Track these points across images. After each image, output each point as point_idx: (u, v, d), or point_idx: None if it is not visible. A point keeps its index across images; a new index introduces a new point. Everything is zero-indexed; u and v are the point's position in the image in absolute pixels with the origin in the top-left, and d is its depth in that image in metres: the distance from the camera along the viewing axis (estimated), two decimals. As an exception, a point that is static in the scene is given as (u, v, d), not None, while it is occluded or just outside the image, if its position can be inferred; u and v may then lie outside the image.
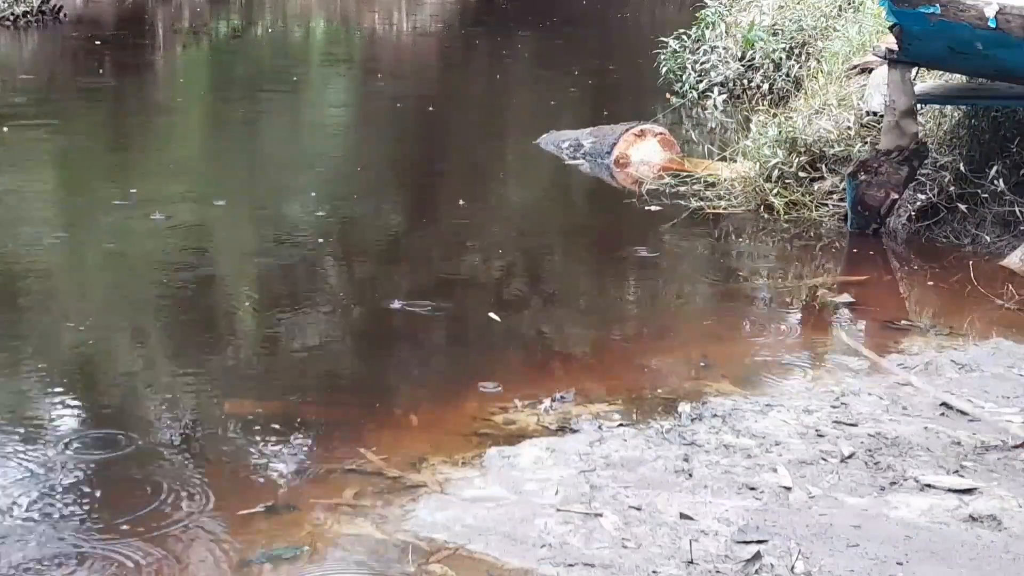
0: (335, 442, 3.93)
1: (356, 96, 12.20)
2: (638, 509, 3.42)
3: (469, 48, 15.54)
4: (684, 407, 4.16)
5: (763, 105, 8.73)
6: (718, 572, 3.11)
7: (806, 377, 4.60)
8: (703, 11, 11.11)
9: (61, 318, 5.14)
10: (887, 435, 3.92)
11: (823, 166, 7.15)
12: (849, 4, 9.98)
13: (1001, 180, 6.32)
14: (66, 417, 4.13)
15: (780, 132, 7.25)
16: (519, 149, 8.96)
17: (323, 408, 4.31)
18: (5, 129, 8.71)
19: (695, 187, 7.38)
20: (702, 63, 10.70)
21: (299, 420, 4.12)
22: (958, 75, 6.91)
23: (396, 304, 5.27)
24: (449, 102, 11.40)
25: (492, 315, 5.23)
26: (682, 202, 7.19)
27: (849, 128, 7.21)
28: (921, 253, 6.37)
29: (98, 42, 14.16)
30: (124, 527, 3.35)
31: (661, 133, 8.36)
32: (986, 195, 6.38)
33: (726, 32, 10.78)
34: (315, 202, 7.47)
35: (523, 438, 3.92)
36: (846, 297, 5.59)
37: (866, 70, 7.88)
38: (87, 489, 3.58)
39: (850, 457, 3.76)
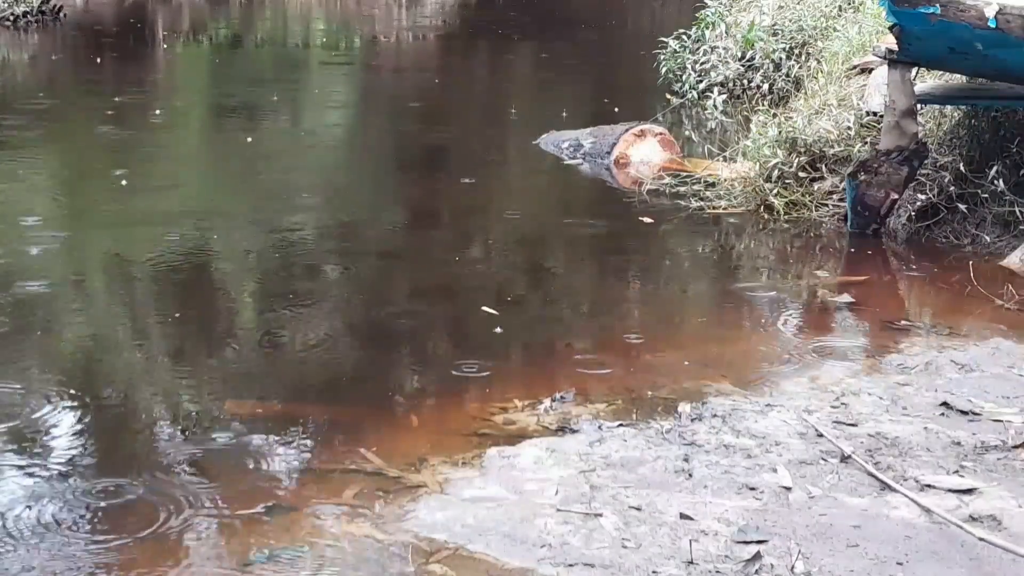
0: (335, 442, 3.93)
1: (355, 97, 12.21)
2: (638, 509, 3.42)
3: (469, 48, 15.54)
4: (684, 407, 4.15)
5: (763, 105, 8.74)
6: (718, 572, 3.11)
7: (806, 377, 4.59)
8: (703, 11, 11.11)
9: (57, 315, 5.15)
10: (887, 435, 3.92)
11: (823, 166, 7.15)
12: (849, 4, 9.99)
13: (1001, 180, 6.32)
14: (64, 417, 4.13)
15: (780, 132, 7.24)
16: (519, 149, 8.96)
17: (323, 408, 4.31)
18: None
19: (695, 187, 7.38)
20: (702, 63, 10.70)
21: (299, 420, 4.12)
22: (958, 75, 6.92)
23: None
24: (449, 102, 11.40)
25: (487, 309, 5.24)
26: (682, 202, 7.19)
27: (849, 128, 7.21)
28: (921, 253, 6.37)
29: (93, 56, 14.13)
30: (124, 527, 3.35)
31: (661, 133, 8.36)
32: (986, 195, 6.38)
33: (726, 32, 10.78)
34: (315, 203, 7.47)
35: (523, 438, 3.92)
36: (846, 297, 5.60)
37: (866, 70, 7.88)
38: (87, 490, 3.58)
39: (850, 457, 3.76)
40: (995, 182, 6.34)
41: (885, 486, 3.56)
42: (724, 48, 10.65)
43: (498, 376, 4.57)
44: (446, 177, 8.14)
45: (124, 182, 7.50)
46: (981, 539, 3.18)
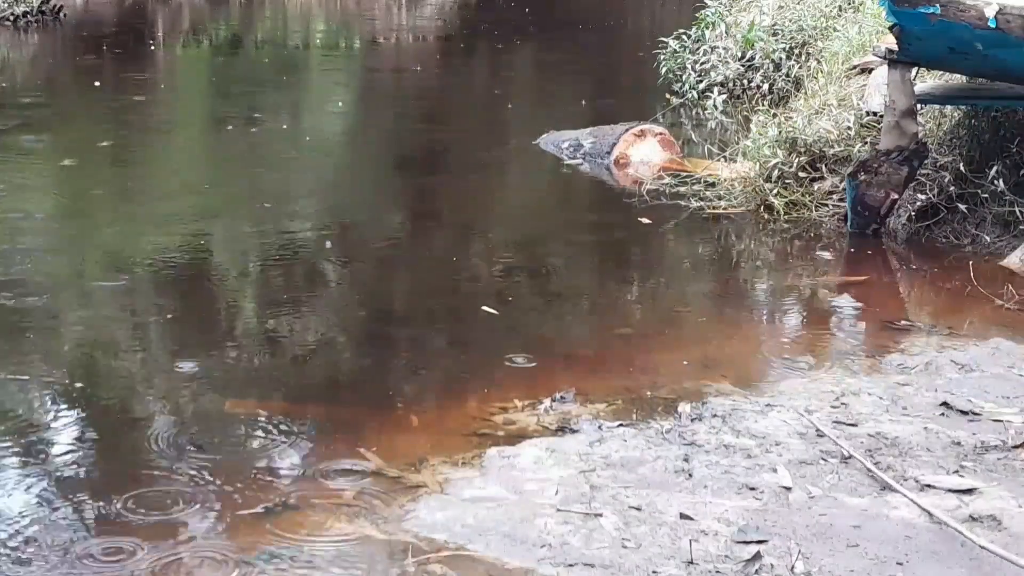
0: (335, 442, 3.93)
1: (355, 98, 12.21)
2: (638, 509, 3.42)
3: (468, 49, 15.54)
4: (684, 407, 4.15)
5: (763, 105, 8.73)
6: (718, 572, 3.11)
7: (806, 377, 4.59)
8: (703, 11, 11.12)
9: (55, 315, 5.15)
10: (887, 435, 3.92)
11: (823, 166, 7.15)
12: (849, 4, 9.99)
13: (1001, 180, 6.32)
14: (62, 417, 4.13)
15: (780, 132, 7.24)
16: (519, 149, 8.96)
17: (323, 408, 4.31)
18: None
19: (695, 187, 7.38)
20: (702, 63, 10.70)
21: (299, 420, 4.12)
22: (958, 75, 6.92)
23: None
24: (448, 103, 11.40)
25: (487, 309, 5.25)
26: (682, 202, 7.19)
27: (849, 128, 7.21)
28: (921, 253, 6.37)
29: (92, 56, 14.12)
30: (123, 527, 3.35)
31: (661, 133, 8.36)
32: (986, 195, 6.38)
33: (726, 32, 10.78)
34: (315, 204, 7.47)
35: (523, 438, 3.92)
36: (846, 297, 5.59)
37: (866, 70, 7.88)
38: (87, 490, 3.58)
39: (850, 457, 3.76)
40: (995, 182, 6.33)
41: (885, 486, 3.56)
42: (724, 48, 10.65)
43: (498, 376, 4.57)
44: (446, 177, 8.15)
45: (123, 182, 7.50)
46: (983, 548, 3.17)
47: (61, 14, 15.37)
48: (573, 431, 3.98)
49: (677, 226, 6.84)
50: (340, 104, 11.65)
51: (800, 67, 9.89)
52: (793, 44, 10.19)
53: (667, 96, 10.43)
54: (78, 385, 4.42)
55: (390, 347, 5.01)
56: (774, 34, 10.33)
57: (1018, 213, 6.22)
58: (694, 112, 10.20)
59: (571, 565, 3.13)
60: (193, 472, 3.70)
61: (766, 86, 10.16)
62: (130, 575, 3.13)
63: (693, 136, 9.43)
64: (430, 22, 17.96)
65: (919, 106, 6.58)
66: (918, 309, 5.73)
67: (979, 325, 5.19)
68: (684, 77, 10.70)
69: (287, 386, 4.55)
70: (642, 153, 8.22)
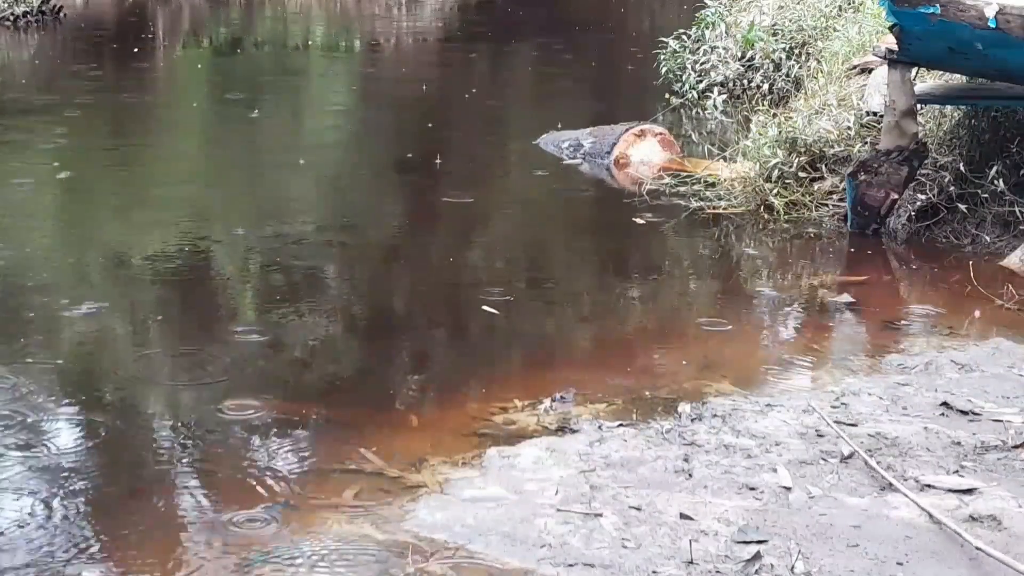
0: (335, 442, 3.93)
1: (354, 99, 12.20)
2: (638, 509, 3.42)
3: (468, 50, 15.53)
4: (684, 407, 4.15)
5: (763, 105, 8.73)
6: (718, 572, 3.11)
7: (806, 377, 4.59)
8: (703, 11, 11.12)
9: (56, 315, 5.14)
10: (887, 435, 3.92)
11: (823, 166, 7.15)
12: (849, 4, 9.99)
13: (1001, 180, 6.33)
14: (62, 417, 4.13)
15: (780, 132, 7.24)
16: (519, 149, 8.96)
17: (323, 408, 4.31)
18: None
19: (695, 187, 7.38)
20: (702, 63, 10.71)
21: (299, 420, 4.12)
22: (958, 75, 6.92)
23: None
24: (448, 104, 11.39)
25: (487, 308, 5.25)
26: (682, 202, 7.19)
27: (849, 128, 7.21)
28: (921, 253, 6.37)
29: (92, 56, 14.12)
30: (123, 527, 3.35)
31: (661, 133, 8.36)
32: (986, 195, 6.39)
33: (726, 32, 10.78)
34: (316, 205, 7.47)
35: (523, 438, 3.92)
36: (846, 297, 5.59)
37: (866, 70, 7.88)
38: (86, 489, 3.58)
39: (850, 457, 3.76)
40: (995, 182, 6.34)
41: (886, 486, 3.56)
42: (724, 48, 10.66)
43: (498, 376, 4.57)
44: (445, 178, 8.14)
45: (121, 183, 7.50)
46: (978, 549, 3.17)
47: (61, 14, 15.37)
48: (573, 431, 3.98)
49: (677, 226, 6.84)
50: (339, 106, 11.65)
51: (800, 67, 9.90)
52: (793, 44, 10.19)
53: (667, 96, 10.43)
54: (77, 385, 4.41)
55: (390, 347, 5.01)
56: (774, 34, 10.33)
57: (1018, 213, 6.22)
58: (694, 112, 10.21)
59: (571, 565, 3.13)
60: (193, 471, 3.70)
61: (766, 86, 10.16)
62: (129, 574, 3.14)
63: (693, 136, 9.43)
64: (430, 23, 17.95)
65: (919, 106, 6.58)
66: (918, 309, 5.73)
67: (979, 325, 5.19)
68: (684, 77, 10.70)
69: (287, 386, 4.55)
70: (642, 153, 8.22)
